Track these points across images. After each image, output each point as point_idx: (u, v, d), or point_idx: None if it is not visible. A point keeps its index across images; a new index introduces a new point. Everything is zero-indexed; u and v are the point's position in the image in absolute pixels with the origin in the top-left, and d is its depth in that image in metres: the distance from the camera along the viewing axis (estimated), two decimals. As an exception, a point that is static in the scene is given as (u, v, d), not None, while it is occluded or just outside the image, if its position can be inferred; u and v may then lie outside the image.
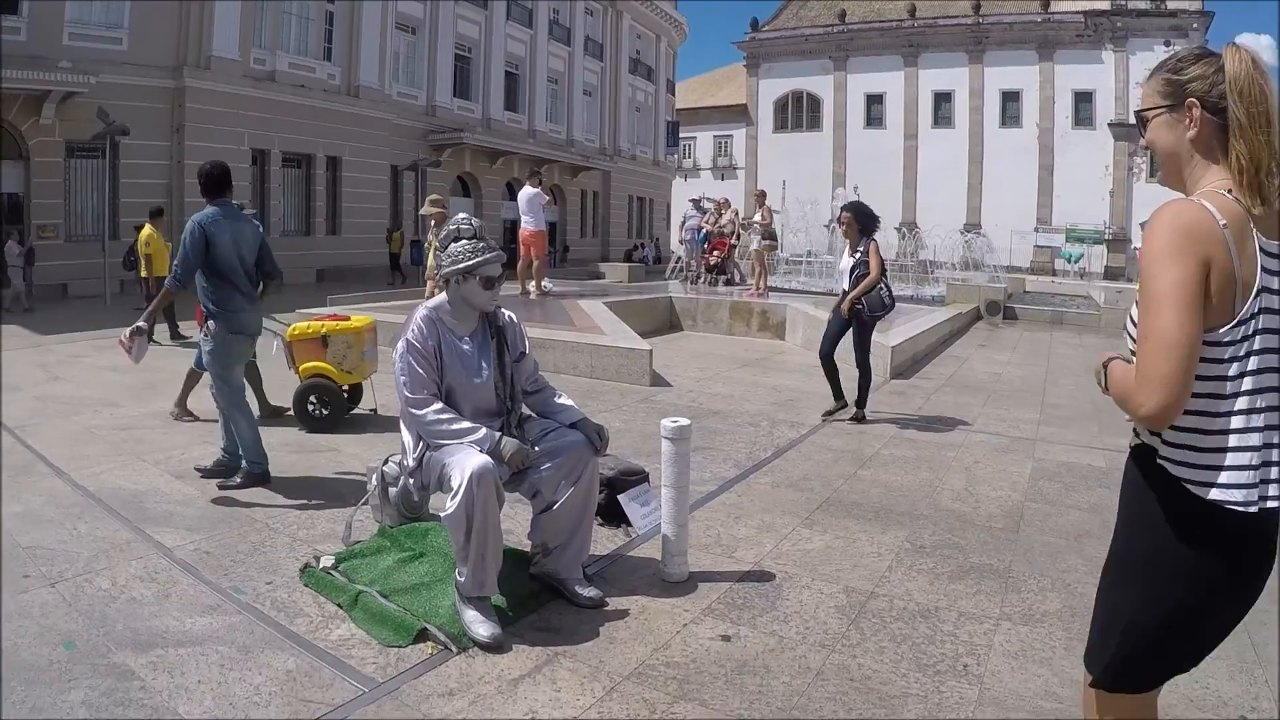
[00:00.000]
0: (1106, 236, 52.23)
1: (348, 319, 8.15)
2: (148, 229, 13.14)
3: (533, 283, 15.85)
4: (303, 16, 28.05)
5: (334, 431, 7.42)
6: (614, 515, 4.80)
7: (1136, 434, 2.02)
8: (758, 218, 17.55)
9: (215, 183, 5.92)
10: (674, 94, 57.32)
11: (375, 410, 8.03)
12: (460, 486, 3.47)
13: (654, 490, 4.86)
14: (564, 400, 4.22)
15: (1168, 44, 52.76)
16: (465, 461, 3.56)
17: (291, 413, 7.66)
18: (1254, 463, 1.83)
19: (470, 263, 3.86)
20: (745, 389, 9.78)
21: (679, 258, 23.46)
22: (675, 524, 4.17)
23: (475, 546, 3.52)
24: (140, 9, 22.85)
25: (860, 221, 8.26)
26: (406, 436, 3.94)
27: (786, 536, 5.00)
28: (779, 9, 66.80)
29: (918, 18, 59.07)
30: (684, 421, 4.20)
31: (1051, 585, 4.46)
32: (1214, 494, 1.84)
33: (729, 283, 20.07)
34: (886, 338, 11.55)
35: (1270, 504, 1.84)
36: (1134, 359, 1.89)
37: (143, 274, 13.12)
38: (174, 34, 23.72)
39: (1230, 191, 1.85)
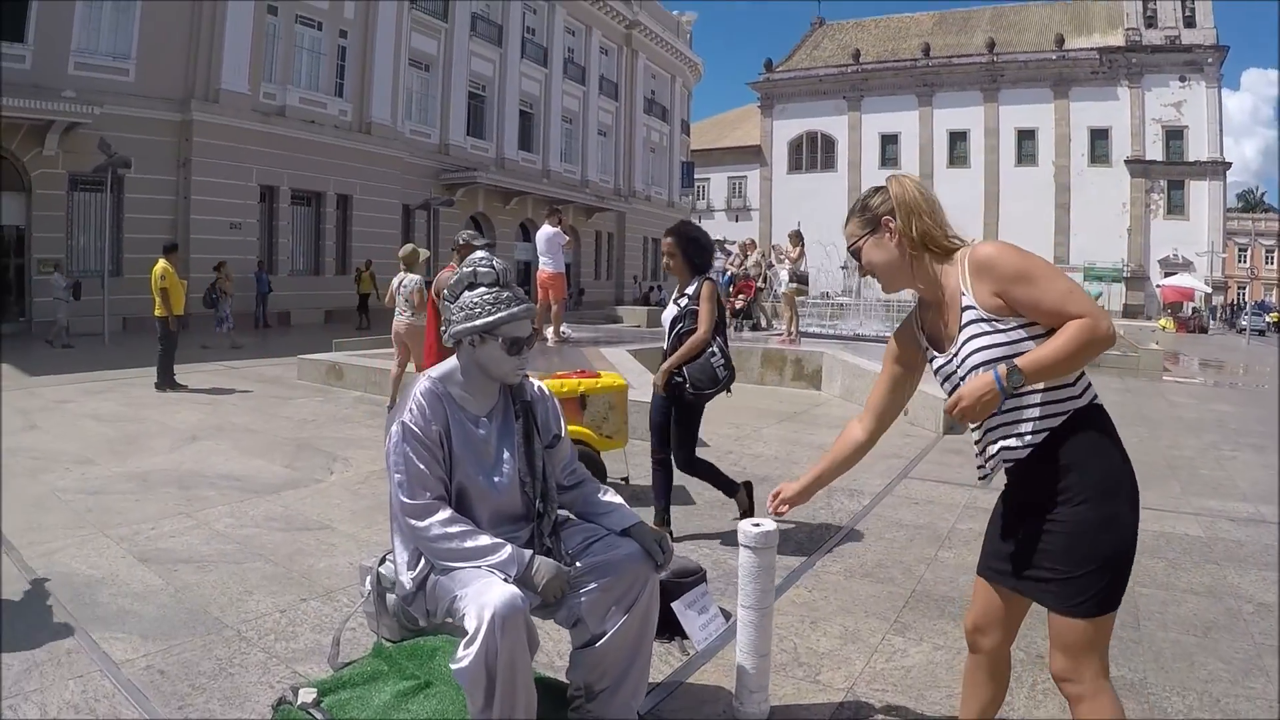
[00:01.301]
0: (1125, 274, 51.52)
1: (598, 376, 7.15)
2: (162, 263, 12.32)
3: (550, 328, 14.99)
4: (314, 51, 27.57)
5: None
6: (666, 626, 3.86)
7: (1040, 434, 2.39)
8: (788, 251, 16.63)
9: None
10: (689, 134, 56.97)
11: (627, 480, 7.04)
12: (479, 632, 2.50)
13: (711, 594, 3.96)
14: (610, 498, 3.21)
15: (1183, 80, 52.48)
16: (484, 595, 2.58)
17: None
18: None
19: (490, 319, 2.88)
20: (789, 449, 8.86)
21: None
22: (756, 654, 3.23)
23: (501, 710, 2.57)
24: (148, 39, 22.45)
25: (687, 250, 5.67)
26: (399, 550, 2.95)
27: (877, 649, 4.07)
28: (793, 49, 66.72)
29: (932, 57, 58.95)
30: (769, 526, 3.24)
31: (1199, 702, 3.61)
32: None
33: (755, 327, 19.26)
34: (936, 388, 10.65)
35: None
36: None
37: (159, 312, 12.21)
38: (182, 65, 23.33)
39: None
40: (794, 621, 4.33)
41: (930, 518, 6.46)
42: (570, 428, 6.21)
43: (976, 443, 2.57)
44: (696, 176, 59.00)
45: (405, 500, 2.79)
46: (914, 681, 3.75)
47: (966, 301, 2.39)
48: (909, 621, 4.43)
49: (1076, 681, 2.41)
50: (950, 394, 2.45)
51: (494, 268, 2.98)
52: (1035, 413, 2.37)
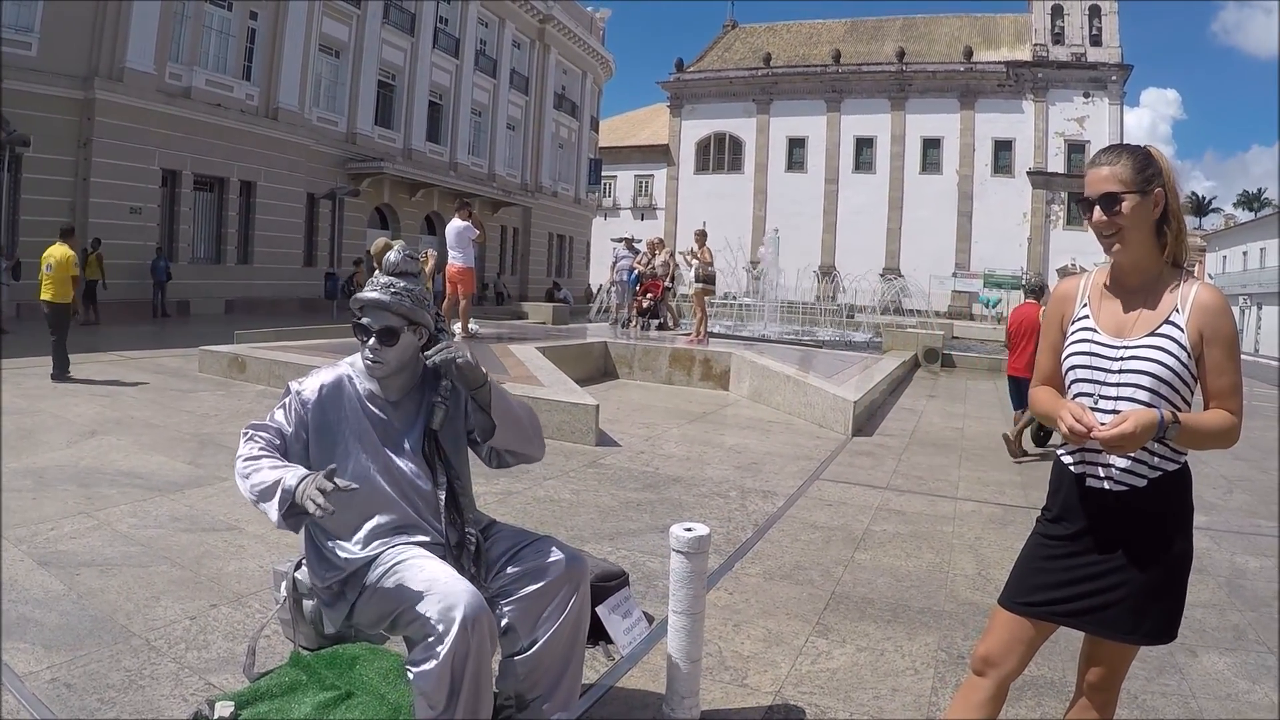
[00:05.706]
0: (1023, 282, 52.93)
1: None
2: (58, 248, 11.67)
3: (458, 324, 14.81)
4: (223, 32, 26.73)
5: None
6: (591, 631, 3.83)
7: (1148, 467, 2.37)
8: (698, 251, 16.65)
9: None
10: (597, 131, 56.77)
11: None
12: (449, 634, 2.44)
13: (635, 597, 3.95)
14: None
15: (1087, 96, 54.17)
16: (450, 594, 2.51)
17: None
18: None
19: (357, 299, 2.87)
20: (701, 449, 8.89)
21: (608, 295, 22.70)
22: (688, 659, 3.21)
23: (464, 713, 2.51)
24: (53, 11, 21.41)
25: None
26: (310, 548, 2.90)
27: (802, 651, 4.10)
28: (705, 50, 67.09)
29: (842, 63, 59.77)
30: (701, 530, 3.21)
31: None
32: None
33: (661, 327, 19.30)
34: (845, 390, 10.79)
35: None
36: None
37: (41, 296, 11.58)
38: (86, 41, 22.29)
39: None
40: (717, 624, 4.32)
41: (844, 519, 6.54)
42: None
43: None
44: (604, 174, 58.86)
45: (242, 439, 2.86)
46: (840, 684, 3.79)
47: (1177, 319, 2.33)
48: (831, 623, 4.47)
49: (1113, 690, 2.57)
50: (1075, 365, 2.45)
51: (397, 255, 2.94)
52: (1159, 451, 2.36)
